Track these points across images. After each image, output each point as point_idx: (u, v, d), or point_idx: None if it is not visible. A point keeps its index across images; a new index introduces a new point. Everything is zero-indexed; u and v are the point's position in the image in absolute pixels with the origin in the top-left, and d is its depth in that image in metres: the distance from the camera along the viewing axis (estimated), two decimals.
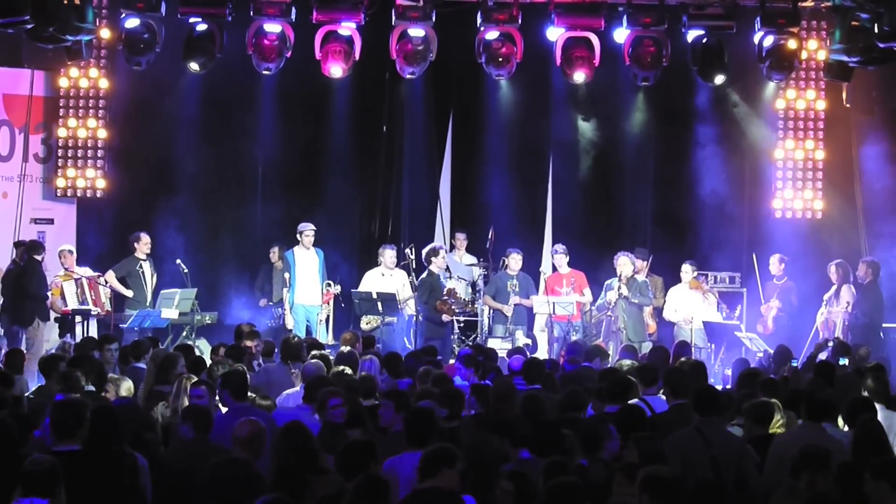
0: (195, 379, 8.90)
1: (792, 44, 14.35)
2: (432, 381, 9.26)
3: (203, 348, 13.63)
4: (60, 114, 16.03)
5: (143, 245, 15.23)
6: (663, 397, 8.97)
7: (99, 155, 16.11)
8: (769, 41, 14.28)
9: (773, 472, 7.42)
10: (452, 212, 16.97)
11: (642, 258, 15.18)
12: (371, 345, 12.24)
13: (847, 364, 11.39)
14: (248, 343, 11.35)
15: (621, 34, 14.57)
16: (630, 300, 14.64)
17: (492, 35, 14.43)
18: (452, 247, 16.16)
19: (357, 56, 14.64)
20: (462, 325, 15.44)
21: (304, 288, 15.42)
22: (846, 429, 8.10)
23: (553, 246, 15.72)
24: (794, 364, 11.32)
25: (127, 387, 9.31)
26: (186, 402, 8.61)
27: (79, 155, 16.08)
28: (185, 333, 14.95)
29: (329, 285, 15.45)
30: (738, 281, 15.81)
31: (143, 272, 15.23)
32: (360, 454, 6.50)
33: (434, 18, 14.36)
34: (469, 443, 7.61)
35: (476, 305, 15.35)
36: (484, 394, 8.83)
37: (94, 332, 14.35)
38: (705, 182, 16.04)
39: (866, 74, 14.61)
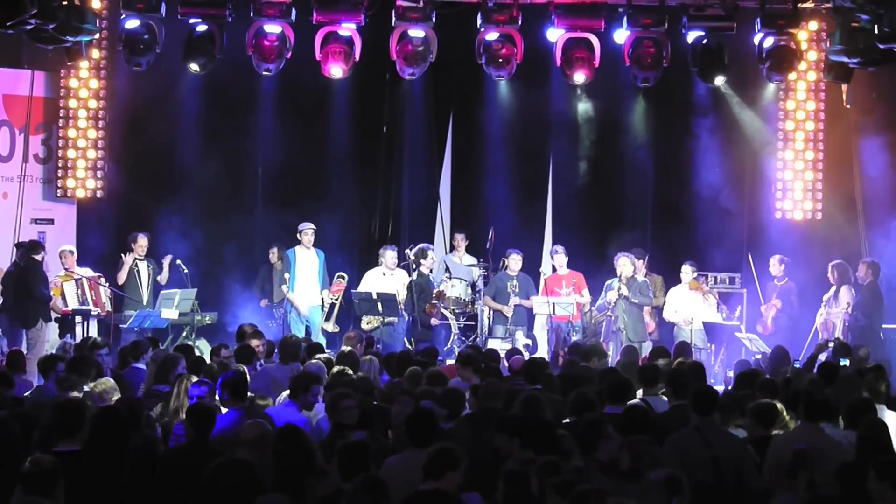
0: (195, 379, 8.90)
1: (792, 45, 14.35)
2: (427, 380, 9.27)
3: (203, 348, 13.62)
4: (60, 114, 16.04)
5: (140, 246, 15.24)
6: (664, 398, 8.99)
7: (99, 156, 16.12)
8: (769, 42, 14.29)
9: (773, 473, 7.43)
10: (452, 212, 16.97)
11: (639, 258, 15.18)
12: (371, 345, 12.24)
13: (848, 365, 11.39)
14: (255, 342, 11.38)
15: (621, 35, 14.57)
16: (630, 300, 14.66)
17: (492, 36, 14.43)
18: (452, 247, 16.16)
19: (357, 57, 14.64)
20: (462, 325, 15.44)
21: (304, 288, 15.42)
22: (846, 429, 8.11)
23: (553, 246, 15.72)
24: (797, 365, 11.30)
25: (109, 387, 9.26)
26: (186, 403, 8.62)
27: (79, 156, 16.09)
28: (184, 334, 14.96)
29: (341, 277, 15.44)
30: (737, 281, 15.82)
31: (138, 272, 15.23)
32: (357, 455, 6.49)
33: (434, 19, 14.36)
34: (465, 442, 7.61)
35: (476, 306, 15.36)
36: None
37: (94, 332, 14.34)
38: (705, 183, 16.05)
39: (866, 75, 14.62)
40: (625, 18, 14.31)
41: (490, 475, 6.61)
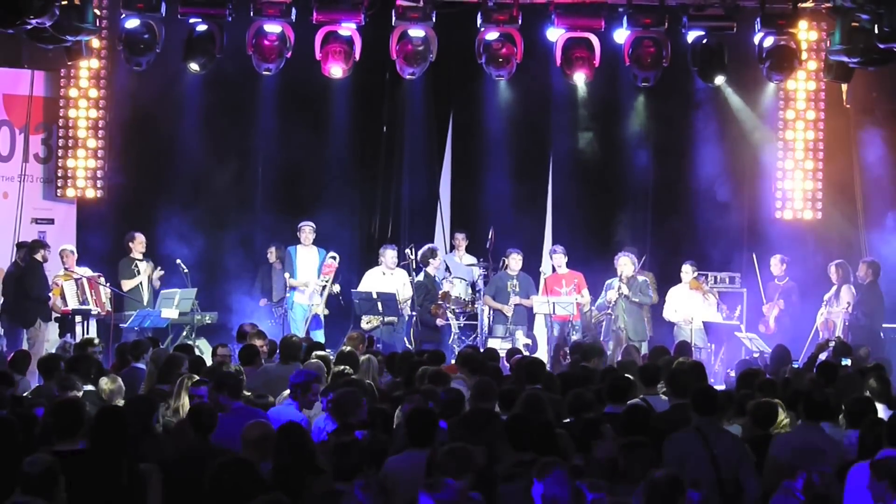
0: (196, 378, 8.90)
1: (792, 44, 14.35)
2: (430, 379, 9.27)
3: (203, 348, 13.63)
4: (60, 114, 16.04)
5: (138, 244, 15.24)
6: (664, 397, 8.98)
7: (99, 155, 16.12)
8: (769, 42, 14.28)
9: (773, 473, 7.43)
10: (452, 212, 16.97)
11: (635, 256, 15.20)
12: (371, 345, 12.24)
13: (849, 364, 11.39)
14: (258, 342, 11.39)
15: (621, 35, 14.57)
16: (630, 299, 14.66)
17: (492, 35, 14.43)
18: (452, 247, 16.16)
19: (357, 56, 14.64)
20: (462, 325, 15.44)
21: (302, 293, 15.40)
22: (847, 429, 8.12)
23: (552, 246, 15.72)
24: (796, 365, 11.30)
25: (115, 386, 9.27)
26: (187, 402, 8.62)
27: (79, 155, 16.09)
28: (185, 333, 14.96)
29: (333, 258, 15.38)
30: (737, 281, 15.82)
31: (138, 272, 15.24)
32: (350, 455, 6.48)
33: (434, 19, 14.37)
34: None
35: (476, 305, 15.36)
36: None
37: (93, 331, 14.35)
38: (705, 182, 16.06)
39: (866, 75, 14.62)
40: (625, 18, 14.30)
41: (486, 475, 6.61)
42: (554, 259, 15.29)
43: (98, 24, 14.29)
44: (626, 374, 9.19)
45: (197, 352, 11.80)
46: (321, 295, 15.29)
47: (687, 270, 15.12)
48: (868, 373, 9.94)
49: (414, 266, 15.40)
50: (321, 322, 15.37)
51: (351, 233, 16.62)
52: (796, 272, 15.29)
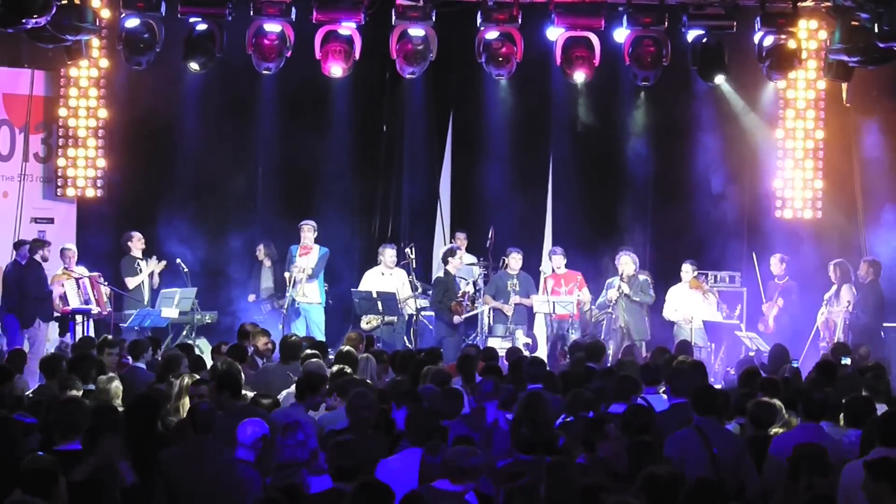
0: (196, 377, 8.90)
1: (792, 43, 14.35)
2: (432, 379, 9.28)
3: (203, 348, 13.63)
4: (60, 113, 16.05)
5: (137, 243, 15.25)
6: (664, 396, 8.99)
7: (99, 154, 16.12)
8: (769, 41, 14.28)
9: (772, 472, 7.43)
10: (452, 211, 16.97)
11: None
12: (371, 344, 12.24)
13: (849, 364, 11.40)
14: (263, 340, 11.38)
15: (621, 34, 14.57)
16: (631, 298, 14.67)
17: (492, 35, 14.43)
18: None
19: (357, 56, 14.64)
20: (462, 324, 15.44)
21: (304, 288, 15.38)
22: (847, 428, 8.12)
23: (552, 248, 15.69)
24: (795, 364, 11.30)
25: (115, 386, 9.28)
26: (187, 402, 8.61)
27: (79, 154, 16.09)
28: (185, 333, 14.97)
29: (307, 239, 15.25)
30: (737, 280, 15.81)
31: (140, 271, 15.24)
32: (350, 455, 6.48)
33: (434, 18, 14.37)
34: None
35: (476, 305, 15.35)
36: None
37: (91, 331, 14.34)
38: (705, 182, 16.06)
39: (866, 74, 14.61)
40: (625, 17, 14.30)
41: None
42: (553, 261, 15.27)
43: (98, 23, 14.29)
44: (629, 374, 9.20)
45: (197, 351, 11.80)
46: (296, 285, 15.16)
47: (687, 270, 15.12)
48: (866, 372, 9.95)
49: (413, 265, 15.41)
50: (300, 312, 15.29)
51: (351, 233, 16.61)
52: (796, 271, 15.29)
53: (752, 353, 13.49)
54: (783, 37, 14.22)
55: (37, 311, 14.36)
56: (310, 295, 15.34)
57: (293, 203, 16.38)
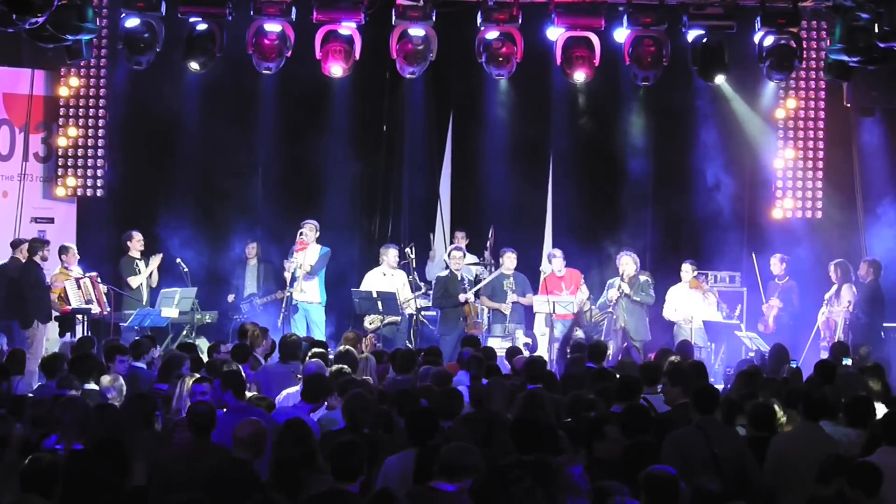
0: (197, 376, 8.90)
1: (792, 43, 14.35)
2: (432, 380, 9.28)
3: (203, 347, 13.62)
4: (60, 113, 16.05)
5: (136, 243, 15.25)
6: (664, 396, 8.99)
7: (99, 154, 16.13)
8: (769, 41, 14.26)
9: (773, 472, 7.43)
10: (452, 210, 16.98)
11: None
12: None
13: (850, 364, 11.40)
14: (263, 341, 11.40)
15: (621, 34, 14.56)
16: (632, 298, 14.67)
17: (492, 35, 14.42)
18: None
19: (357, 56, 14.63)
20: (462, 324, 15.42)
21: (304, 285, 15.38)
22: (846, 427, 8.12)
23: (551, 250, 15.64)
24: (794, 364, 11.31)
25: (118, 386, 9.28)
26: (188, 402, 8.61)
27: (79, 154, 16.10)
28: (185, 332, 14.97)
29: (302, 234, 15.20)
30: (737, 280, 15.83)
31: (139, 271, 15.24)
32: (351, 456, 6.48)
33: (434, 18, 14.35)
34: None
35: (477, 304, 15.35)
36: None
37: (90, 331, 14.33)
38: (705, 181, 16.06)
39: (866, 74, 14.60)
40: (625, 17, 14.29)
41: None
42: (553, 263, 15.25)
43: (98, 23, 14.28)
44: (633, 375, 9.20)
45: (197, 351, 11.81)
46: (308, 277, 15.16)
47: (687, 269, 15.13)
48: (866, 372, 9.96)
49: (413, 266, 15.41)
50: (298, 308, 15.29)
51: (351, 232, 16.61)
52: (796, 271, 15.29)
53: (751, 354, 13.48)
54: (783, 37, 14.21)
55: (36, 311, 14.35)
56: (310, 294, 15.34)
57: (293, 203, 16.38)
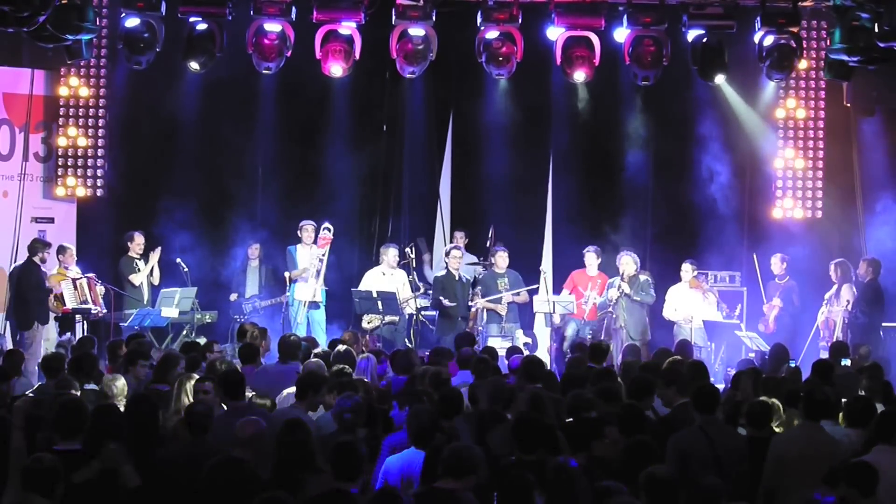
0: (196, 377, 8.89)
1: (792, 43, 14.35)
2: (430, 381, 9.27)
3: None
4: (60, 113, 16.05)
5: (136, 244, 15.25)
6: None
7: (99, 154, 16.14)
8: (769, 41, 14.26)
9: (773, 472, 7.43)
10: (452, 210, 16.98)
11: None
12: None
13: (849, 364, 11.40)
14: (263, 341, 11.39)
15: (621, 34, 14.55)
16: (632, 298, 14.67)
17: (492, 34, 14.42)
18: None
19: (357, 55, 14.62)
20: (462, 324, 15.43)
21: (303, 285, 15.40)
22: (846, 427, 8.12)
23: (589, 245, 15.53)
24: (793, 364, 11.31)
25: (120, 385, 9.28)
26: (188, 402, 8.60)
27: (79, 154, 16.10)
28: (185, 332, 14.97)
29: (328, 230, 15.32)
30: (737, 280, 15.83)
31: (139, 270, 15.24)
32: (350, 455, 6.48)
33: (434, 18, 14.35)
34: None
35: (476, 304, 15.35)
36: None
37: (90, 331, 14.33)
38: (705, 181, 16.06)
39: (866, 74, 14.60)
40: (625, 17, 14.29)
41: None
42: (586, 257, 15.24)
43: (98, 23, 14.28)
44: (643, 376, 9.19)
45: None
46: (318, 275, 15.19)
47: (687, 269, 15.13)
48: (865, 372, 9.96)
49: (413, 265, 15.41)
50: (319, 305, 15.32)
51: (350, 232, 16.61)
52: (796, 270, 15.30)
53: (752, 355, 13.48)
54: (783, 37, 14.21)
55: (34, 313, 14.34)
56: (311, 294, 15.34)
57: (293, 202, 16.38)
